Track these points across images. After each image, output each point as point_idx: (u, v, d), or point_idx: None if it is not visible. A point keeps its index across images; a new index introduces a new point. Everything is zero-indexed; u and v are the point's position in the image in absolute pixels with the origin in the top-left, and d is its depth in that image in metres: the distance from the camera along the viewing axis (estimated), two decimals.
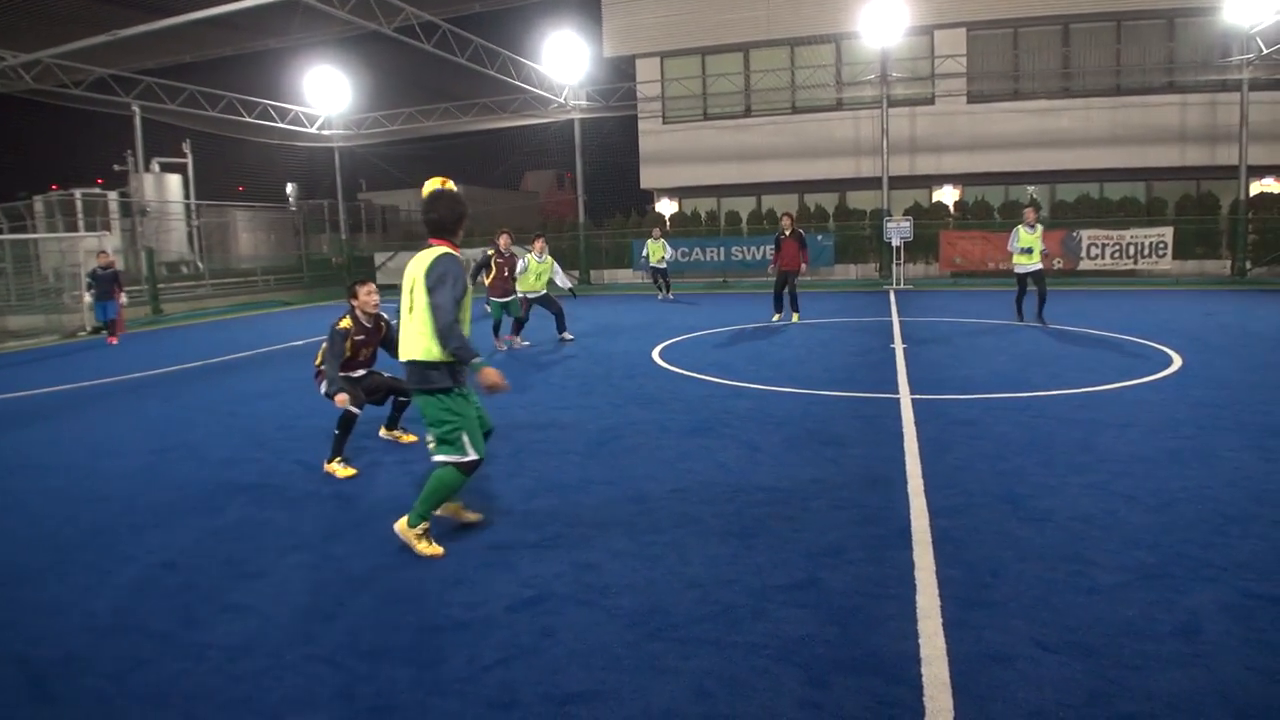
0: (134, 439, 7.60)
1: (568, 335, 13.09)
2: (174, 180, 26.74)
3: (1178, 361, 9.28)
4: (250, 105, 25.00)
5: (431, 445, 4.47)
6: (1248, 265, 20.75)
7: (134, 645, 3.63)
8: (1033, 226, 12.62)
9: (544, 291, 12.97)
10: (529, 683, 3.18)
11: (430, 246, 4.48)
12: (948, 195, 24.93)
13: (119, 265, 19.68)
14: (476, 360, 4.35)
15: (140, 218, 24.56)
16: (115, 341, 15.49)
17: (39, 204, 25.21)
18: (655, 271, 20.42)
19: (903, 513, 4.82)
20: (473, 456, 4.44)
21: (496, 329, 12.55)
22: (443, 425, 4.39)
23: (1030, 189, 24.50)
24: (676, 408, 7.92)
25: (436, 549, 4.49)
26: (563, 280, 13.44)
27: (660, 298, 20.36)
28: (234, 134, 26.38)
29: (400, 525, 4.55)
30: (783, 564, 4.17)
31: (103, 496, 5.87)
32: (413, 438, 6.80)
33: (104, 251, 16.01)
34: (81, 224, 23.75)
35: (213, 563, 4.54)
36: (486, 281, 12.45)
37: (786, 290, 14.41)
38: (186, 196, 27.10)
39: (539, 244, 12.95)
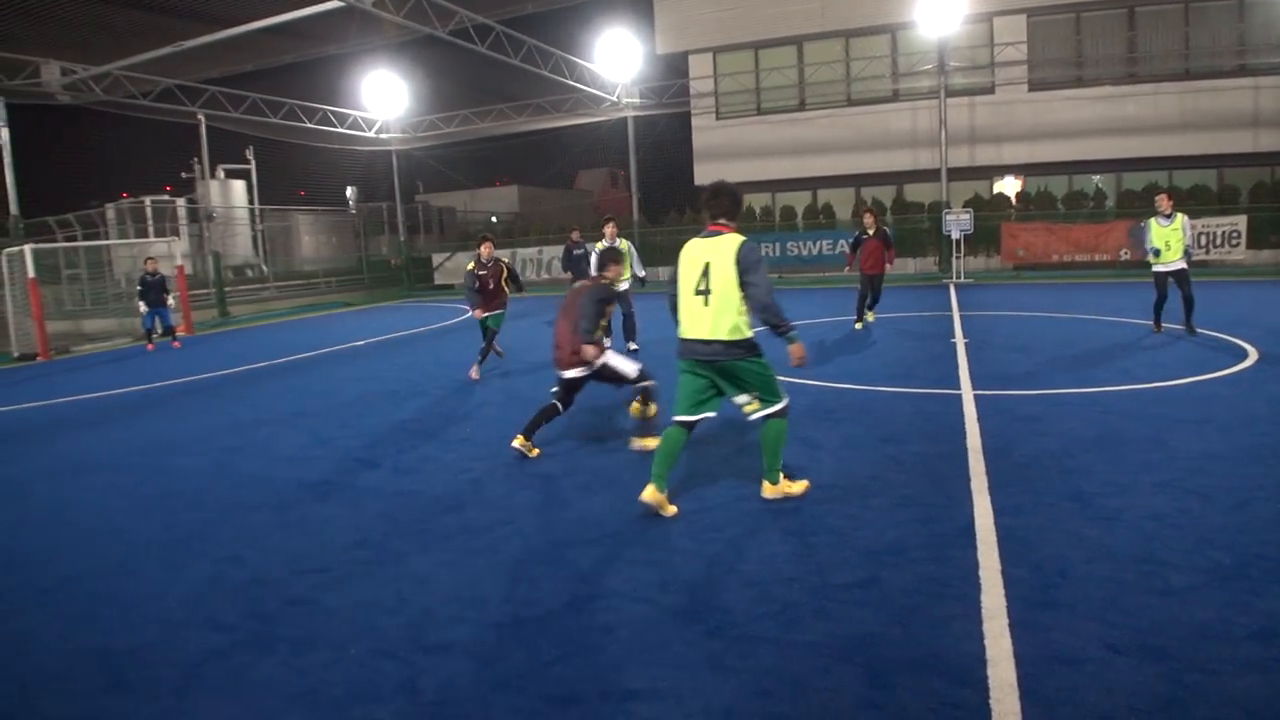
0: (203, 438, 7.83)
1: (633, 345, 11.38)
2: (239, 186, 27.47)
3: (1253, 355, 8.93)
4: (310, 111, 25.55)
5: (752, 406, 5.02)
6: None
7: (203, 638, 3.74)
8: (1168, 217, 10.68)
9: (624, 286, 11.22)
10: (588, 679, 3.19)
11: (715, 233, 4.90)
12: (1009, 186, 24.34)
13: (188, 269, 20.31)
14: (792, 333, 4.86)
15: (207, 223, 25.31)
16: (178, 345, 15.92)
17: (110, 211, 26.14)
18: None
19: (966, 511, 4.73)
20: (786, 400, 5.05)
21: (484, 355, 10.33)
22: (767, 383, 4.94)
23: (1096, 178, 23.80)
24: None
25: (804, 483, 5.23)
26: (640, 269, 11.86)
27: None
28: (295, 139, 26.97)
29: (767, 490, 5.12)
30: (843, 562, 4.13)
31: (173, 493, 6.05)
32: (537, 451, 6.49)
33: (151, 258, 16.26)
34: (151, 230, 24.55)
35: (278, 558, 4.66)
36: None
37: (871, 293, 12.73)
38: (250, 201, 27.83)
39: (610, 230, 11.47)
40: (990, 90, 23.63)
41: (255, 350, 14.37)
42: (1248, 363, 8.60)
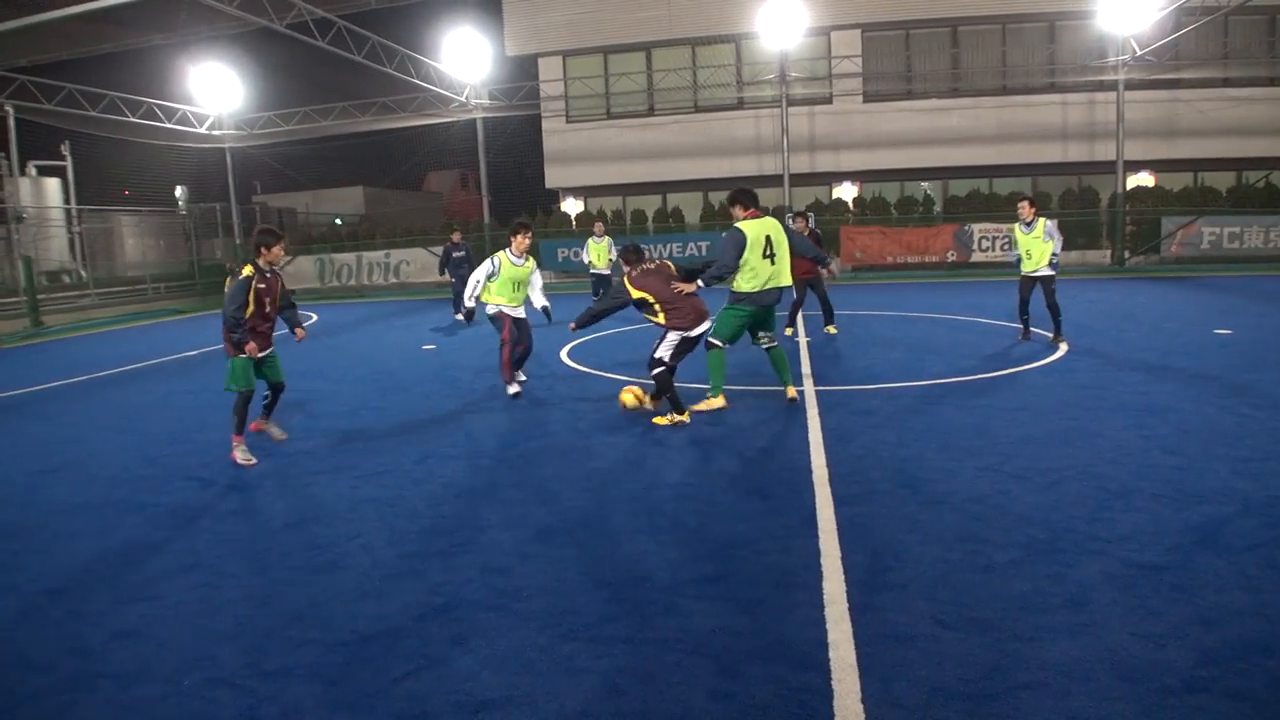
0: (14, 459, 7.17)
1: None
2: (53, 184, 25.32)
3: (1064, 347, 9.75)
4: (134, 105, 23.85)
5: (769, 339, 7.47)
6: (1126, 255, 21.95)
7: (17, 679, 3.43)
8: (1029, 224, 10.20)
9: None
10: (440, 693, 3.12)
11: (755, 217, 7.17)
12: (847, 192, 25.59)
13: None
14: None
15: (16, 224, 23.14)
16: None
17: None
18: (598, 280, 15.93)
19: (809, 502, 4.93)
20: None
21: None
22: (724, 325, 7.30)
23: (925, 185, 25.35)
24: (585, 407, 7.92)
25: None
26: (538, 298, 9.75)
27: None
28: (117, 134, 25.07)
29: (791, 392, 7.46)
30: (693, 558, 4.22)
31: None
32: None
33: None
34: None
35: (102, 587, 4.32)
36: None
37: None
38: (66, 201, 25.69)
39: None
40: (829, 100, 24.78)
41: (72, 363, 13.26)
42: (1059, 354, 9.38)
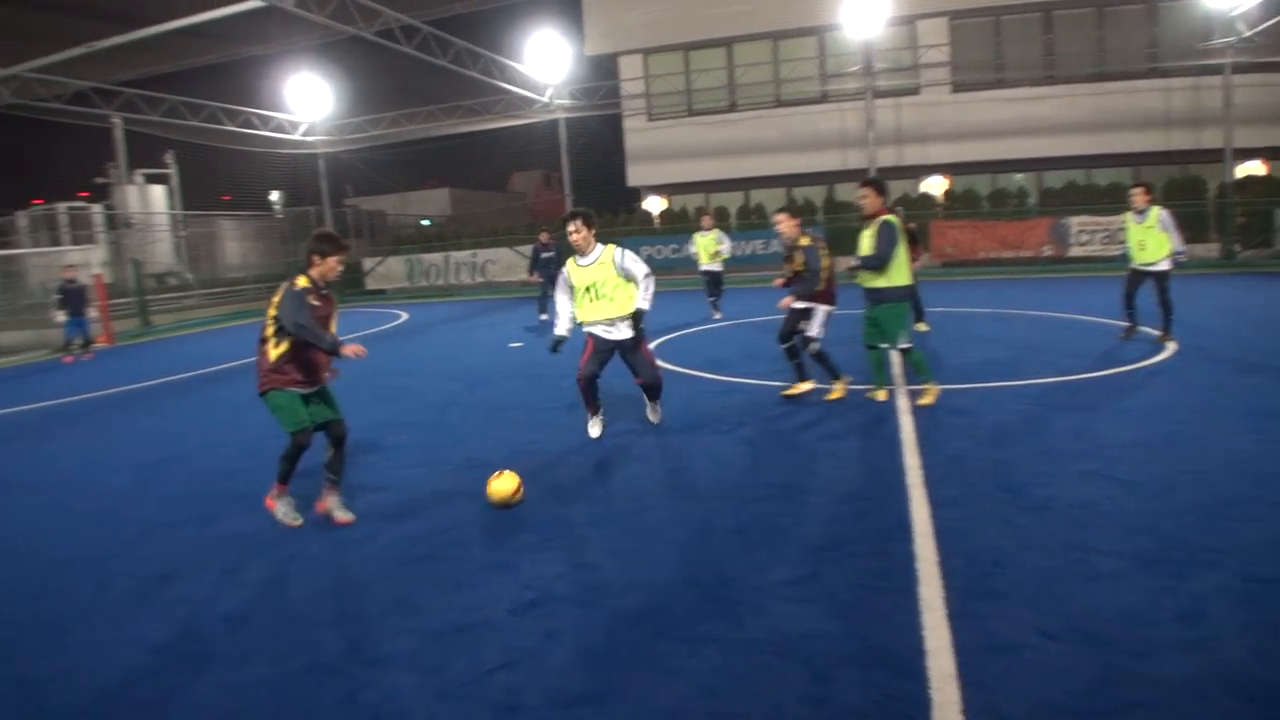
0: (125, 453, 7.54)
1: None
2: (158, 191, 26.56)
3: (1172, 346, 9.29)
4: (233, 114, 24.86)
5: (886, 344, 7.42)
6: (1236, 248, 20.82)
7: (133, 659, 3.60)
8: (1141, 213, 9.58)
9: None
10: (534, 686, 3.15)
11: (876, 217, 7.11)
12: (935, 185, 24.97)
13: (107, 278, 19.57)
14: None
15: (125, 230, 24.40)
16: (90, 357, 15.31)
17: (23, 219, 25.02)
18: (711, 277, 14.46)
19: (902, 505, 4.81)
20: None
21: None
22: (902, 325, 7.25)
23: (1018, 177, 24.54)
24: (669, 406, 7.89)
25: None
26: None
27: (718, 315, 14.36)
28: (217, 143, 26.19)
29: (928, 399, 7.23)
30: (783, 559, 4.16)
31: (96, 511, 5.82)
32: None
33: (69, 266, 15.72)
34: (66, 238, 23.57)
35: (209, 574, 4.50)
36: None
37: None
38: (171, 207, 26.92)
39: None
40: (915, 91, 24.20)
41: (179, 361, 13.90)
42: (1167, 353, 8.94)
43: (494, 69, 23.13)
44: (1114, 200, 21.69)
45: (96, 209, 25.10)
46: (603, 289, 6.46)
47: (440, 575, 4.26)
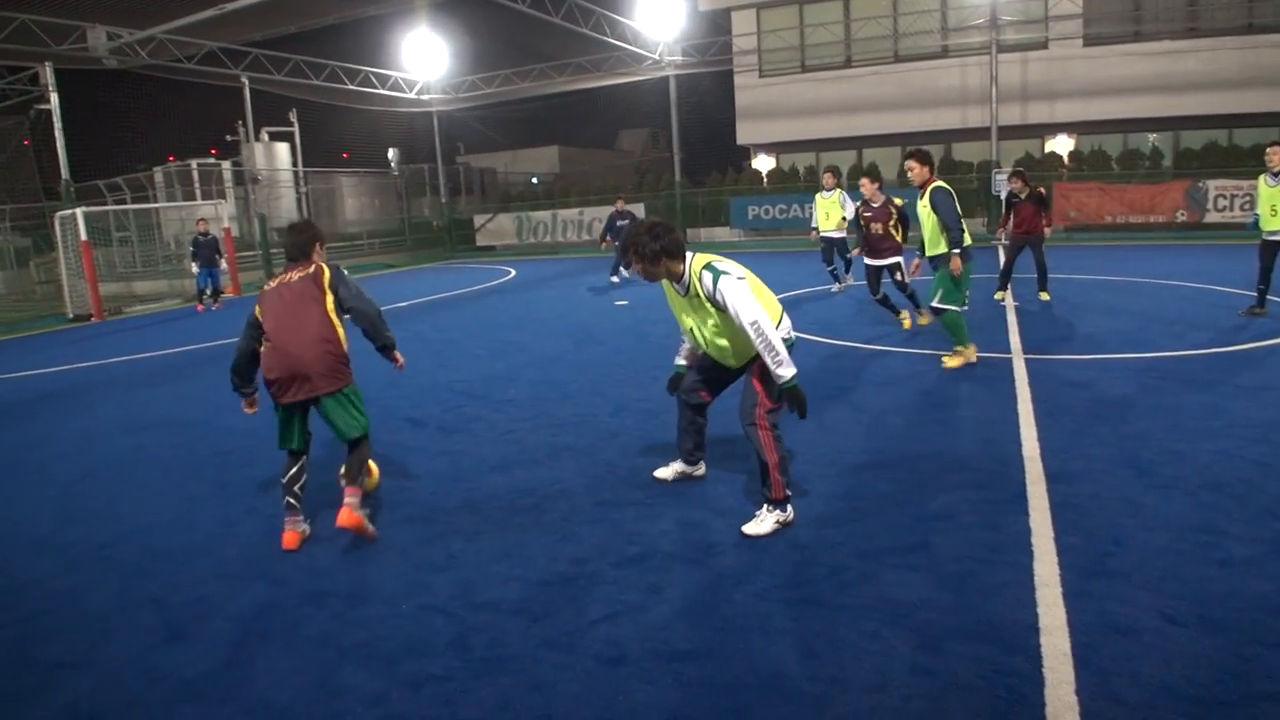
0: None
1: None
2: (283, 149, 27.67)
3: None
4: (352, 73, 25.56)
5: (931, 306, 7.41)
6: None
7: (260, 592, 3.83)
8: (1277, 176, 8.86)
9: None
10: (637, 639, 3.21)
11: (926, 187, 7.17)
12: (1062, 145, 23.69)
13: (235, 232, 20.57)
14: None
15: (252, 186, 25.55)
16: (219, 306, 16.20)
17: (158, 174, 26.51)
18: (831, 245, 12.71)
19: (1017, 477, 4.65)
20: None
21: None
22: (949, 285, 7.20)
23: (1152, 137, 23.04)
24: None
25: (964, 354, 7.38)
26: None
27: (837, 288, 12.92)
28: (337, 101, 27.04)
29: (950, 361, 7.35)
30: (891, 527, 4.09)
31: (226, 451, 6.19)
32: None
33: (202, 219, 16.66)
34: (198, 193, 24.87)
35: (329, 515, 4.72)
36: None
37: (1018, 261, 11.24)
38: (294, 164, 28.03)
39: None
40: (1044, 45, 22.90)
41: None
42: None
43: (605, 25, 23.02)
44: (1257, 163, 20.13)
45: (225, 165, 26.36)
46: (707, 330, 4.24)
47: (547, 526, 4.37)
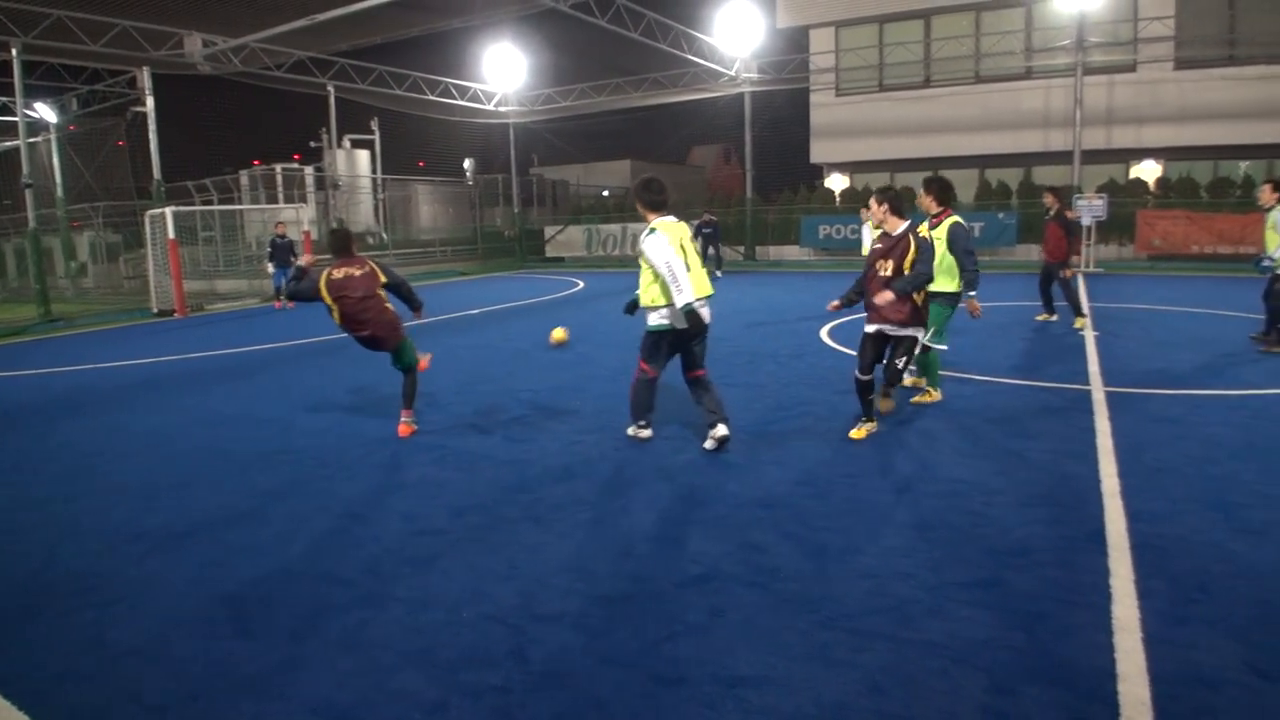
0: (326, 397, 8.16)
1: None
2: (363, 156, 28.40)
3: None
4: (433, 84, 26.12)
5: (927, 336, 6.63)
6: None
7: (324, 591, 3.89)
8: None
9: None
10: (697, 661, 3.17)
11: (942, 219, 6.94)
12: (1148, 171, 22.94)
13: (313, 235, 21.15)
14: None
15: (332, 191, 26.28)
16: (293, 306, 16.63)
17: (244, 177, 27.46)
18: None
19: (1096, 515, 4.48)
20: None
21: None
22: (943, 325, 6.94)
23: (1244, 165, 22.16)
24: (846, 388, 7.69)
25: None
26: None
27: None
28: (417, 111, 27.66)
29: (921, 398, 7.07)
30: (962, 560, 3.97)
31: (298, 449, 6.33)
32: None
33: (280, 222, 17.36)
34: (281, 196, 25.68)
35: (395, 518, 4.80)
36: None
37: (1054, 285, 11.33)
38: (374, 171, 28.75)
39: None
40: (1132, 68, 22.23)
41: None
42: None
43: (683, 41, 23.11)
44: None
45: (308, 170, 27.17)
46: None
47: (609, 541, 4.35)
